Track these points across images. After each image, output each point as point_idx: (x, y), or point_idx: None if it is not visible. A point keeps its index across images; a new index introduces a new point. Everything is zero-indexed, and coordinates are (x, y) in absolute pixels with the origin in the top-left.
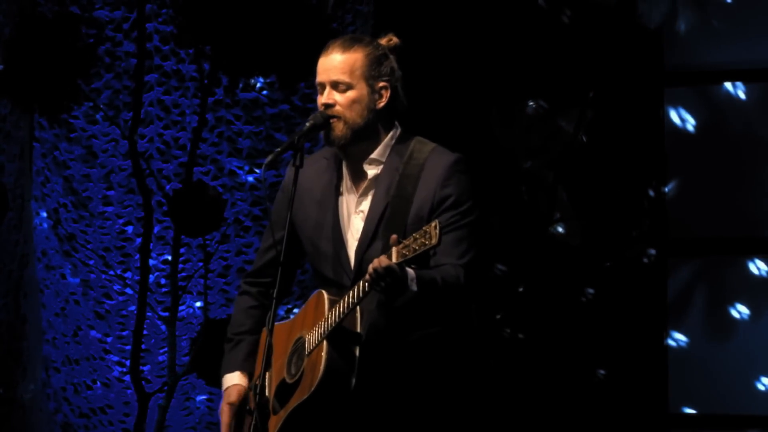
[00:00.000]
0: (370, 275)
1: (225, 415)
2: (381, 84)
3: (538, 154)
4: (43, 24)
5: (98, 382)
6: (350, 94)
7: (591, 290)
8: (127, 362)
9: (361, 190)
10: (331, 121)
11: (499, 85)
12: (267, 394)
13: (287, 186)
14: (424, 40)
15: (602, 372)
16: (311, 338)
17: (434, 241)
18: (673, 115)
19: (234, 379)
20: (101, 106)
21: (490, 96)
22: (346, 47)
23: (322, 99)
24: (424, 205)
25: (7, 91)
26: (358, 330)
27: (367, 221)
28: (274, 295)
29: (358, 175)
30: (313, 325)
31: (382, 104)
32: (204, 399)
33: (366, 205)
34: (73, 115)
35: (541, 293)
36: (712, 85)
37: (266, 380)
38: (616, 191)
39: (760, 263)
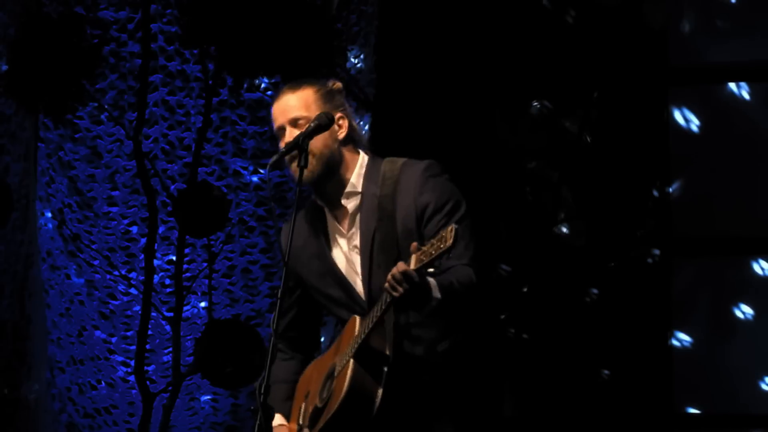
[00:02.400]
0: (388, 282)
1: None
2: (338, 114)
3: (543, 154)
4: (48, 24)
5: (103, 382)
6: None
7: (595, 290)
8: (132, 362)
9: (347, 228)
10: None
11: (503, 86)
12: (301, 421)
13: (284, 248)
14: (428, 40)
15: (606, 372)
16: (341, 360)
17: (449, 243)
18: (678, 115)
19: (278, 420)
20: (106, 107)
21: (494, 96)
22: (295, 87)
23: (285, 139)
24: (408, 218)
25: (12, 92)
26: (387, 352)
27: (362, 254)
28: (279, 296)
29: (340, 214)
30: (345, 349)
31: (342, 134)
32: (208, 399)
33: (357, 239)
34: (78, 115)
35: (545, 293)
36: (716, 84)
37: (301, 409)
38: (621, 191)
39: (764, 263)
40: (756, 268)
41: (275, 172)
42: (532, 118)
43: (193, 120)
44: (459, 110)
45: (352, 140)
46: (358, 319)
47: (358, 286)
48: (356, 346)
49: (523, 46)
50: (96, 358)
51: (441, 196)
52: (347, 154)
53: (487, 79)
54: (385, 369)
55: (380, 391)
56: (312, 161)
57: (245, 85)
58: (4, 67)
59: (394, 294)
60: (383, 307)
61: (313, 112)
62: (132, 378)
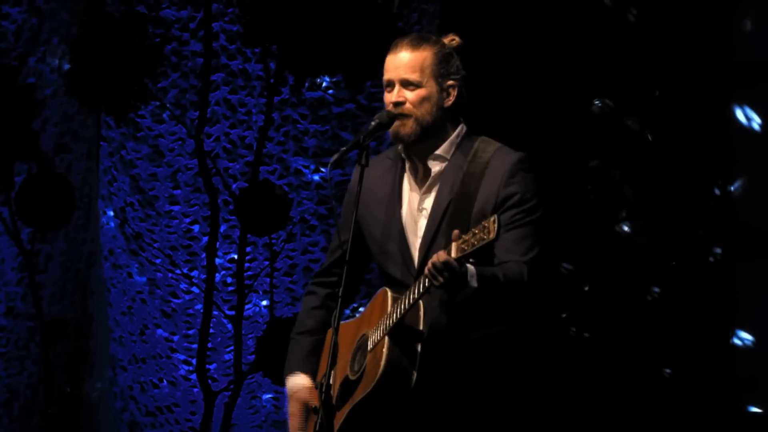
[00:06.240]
0: (428, 270)
1: (297, 417)
2: (449, 82)
3: (604, 152)
4: (110, 23)
5: (165, 381)
6: (420, 92)
7: (657, 289)
8: (194, 361)
9: (424, 188)
10: (401, 119)
11: (565, 84)
12: (332, 391)
13: (353, 187)
14: (491, 38)
15: (668, 371)
16: (374, 335)
17: (492, 235)
18: (739, 113)
19: (300, 380)
20: (168, 105)
21: (556, 94)
22: (415, 45)
23: (392, 97)
24: (488, 203)
25: (74, 91)
26: (421, 327)
27: (430, 219)
28: (340, 294)
29: (422, 172)
30: (376, 322)
31: (449, 102)
32: (270, 397)
33: (429, 202)
34: (140, 114)
35: (607, 292)
36: None
37: (331, 378)
38: (682, 189)
39: None
40: None
41: (336, 171)
42: (593, 116)
43: (255, 119)
44: (521, 108)
45: (458, 108)
46: (390, 295)
47: (414, 248)
48: (390, 324)
49: (585, 45)
50: (158, 357)
51: (527, 191)
52: (448, 122)
53: (549, 77)
54: (419, 347)
55: (415, 370)
56: (412, 125)
57: (307, 84)
58: (67, 66)
59: (435, 282)
60: (421, 290)
61: (427, 77)
62: (194, 376)
